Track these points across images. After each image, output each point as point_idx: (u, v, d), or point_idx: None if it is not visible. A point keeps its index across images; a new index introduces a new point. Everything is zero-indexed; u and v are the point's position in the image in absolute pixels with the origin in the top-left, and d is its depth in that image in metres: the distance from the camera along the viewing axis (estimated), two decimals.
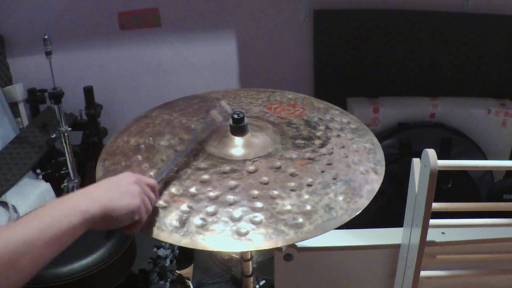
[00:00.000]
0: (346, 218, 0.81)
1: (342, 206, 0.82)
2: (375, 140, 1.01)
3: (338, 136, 0.99)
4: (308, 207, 0.81)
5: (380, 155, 0.96)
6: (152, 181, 0.82)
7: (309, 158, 0.91)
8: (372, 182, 0.88)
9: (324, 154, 0.93)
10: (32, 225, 0.61)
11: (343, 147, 0.96)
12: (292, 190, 0.84)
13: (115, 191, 0.73)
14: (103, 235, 1.35)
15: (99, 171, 0.94)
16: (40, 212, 0.63)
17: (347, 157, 0.93)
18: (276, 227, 0.78)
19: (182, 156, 0.91)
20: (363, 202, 0.84)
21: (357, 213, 0.82)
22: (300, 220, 0.79)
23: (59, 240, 0.62)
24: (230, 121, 0.95)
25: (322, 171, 0.88)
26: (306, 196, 0.83)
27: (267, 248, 0.76)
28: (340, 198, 0.83)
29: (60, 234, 0.62)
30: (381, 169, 0.92)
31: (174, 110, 1.11)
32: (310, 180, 0.86)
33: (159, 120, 1.07)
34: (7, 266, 0.57)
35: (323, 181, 0.86)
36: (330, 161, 0.91)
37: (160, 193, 0.84)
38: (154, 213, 0.81)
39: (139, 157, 0.94)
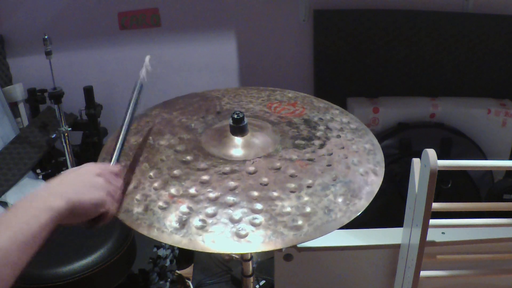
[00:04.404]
0: (345, 220, 0.80)
1: (342, 208, 0.82)
2: (375, 141, 1.00)
3: (338, 136, 0.99)
4: (308, 209, 0.81)
5: (380, 156, 0.96)
6: (115, 168, 0.83)
7: (309, 159, 0.91)
8: (371, 183, 0.88)
9: (323, 155, 0.93)
10: (4, 233, 0.60)
11: (343, 147, 0.96)
12: (291, 191, 0.84)
13: (79, 184, 0.74)
14: (102, 234, 1.35)
15: None
16: (8, 217, 0.63)
17: (346, 158, 0.93)
18: (275, 229, 0.77)
19: (126, 130, 0.90)
20: (363, 204, 0.83)
21: (356, 215, 0.82)
22: (300, 222, 0.79)
23: (33, 241, 0.62)
24: (230, 121, 0.95)
25: (322, 172, 0.88)
26: (306, 198, 0.83)
27: (266, 250, 0.76)
28: (340, 199, 0.83)
29: (32, 236, 0.62)
30: (381, 170, 0.92)
31: (174, 109, 1.11)
32: (309, 181, 0.86)
33: (158, 119, 1.07)
34: None
35: (322, 182, 0.86)
36: (330, 162, 0.91)
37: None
38: (153, 213, 0.81)
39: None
